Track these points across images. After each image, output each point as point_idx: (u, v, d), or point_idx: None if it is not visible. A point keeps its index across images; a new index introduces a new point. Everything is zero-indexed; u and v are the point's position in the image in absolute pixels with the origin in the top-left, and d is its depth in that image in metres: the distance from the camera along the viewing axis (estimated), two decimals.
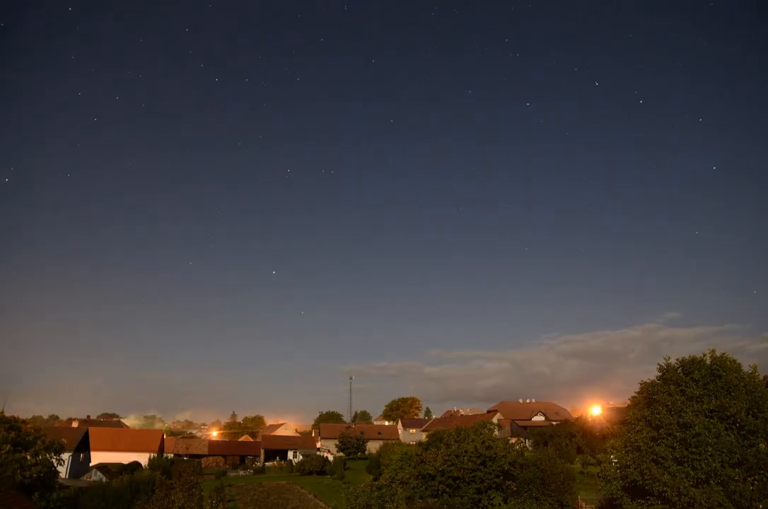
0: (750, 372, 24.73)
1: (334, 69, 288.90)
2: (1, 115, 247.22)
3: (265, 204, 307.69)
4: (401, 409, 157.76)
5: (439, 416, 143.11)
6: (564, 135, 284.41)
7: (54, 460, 35.11)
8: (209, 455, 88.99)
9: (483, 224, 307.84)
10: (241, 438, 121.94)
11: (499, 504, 32.14)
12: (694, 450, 21.95)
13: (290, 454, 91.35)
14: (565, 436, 68.07)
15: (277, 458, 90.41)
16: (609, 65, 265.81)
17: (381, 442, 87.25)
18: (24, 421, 36.50)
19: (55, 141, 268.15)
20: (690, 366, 25.46)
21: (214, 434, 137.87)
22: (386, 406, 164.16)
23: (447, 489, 33.92)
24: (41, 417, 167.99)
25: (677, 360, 26.31)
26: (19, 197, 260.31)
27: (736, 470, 21.22)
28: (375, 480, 43.55)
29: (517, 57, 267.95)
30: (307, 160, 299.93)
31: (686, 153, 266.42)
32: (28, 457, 32.29)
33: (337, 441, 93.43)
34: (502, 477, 34.26)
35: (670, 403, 23.97)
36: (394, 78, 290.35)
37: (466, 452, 35.18)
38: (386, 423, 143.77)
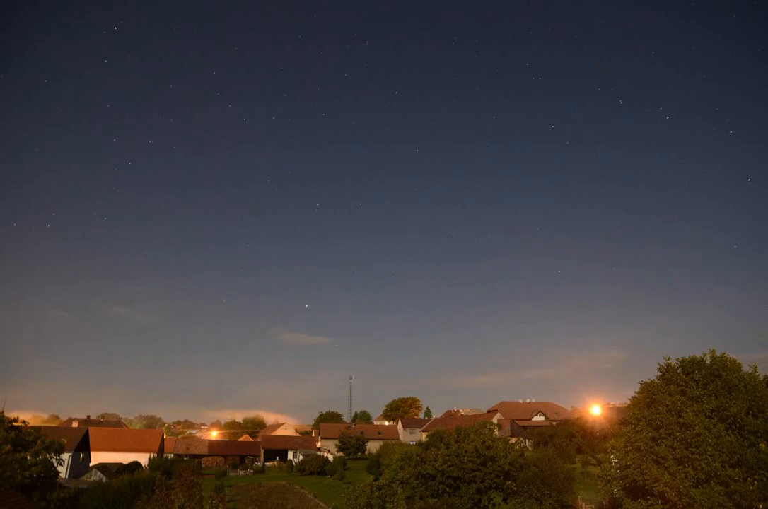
0: (750, 372, 24.73)
1: (360, 105, 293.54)
2: (40, 162, 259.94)
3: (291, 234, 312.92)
4: (401, 409, 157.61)
5: (439, 416, 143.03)
6: (591, 155, 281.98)
7: (54, 460, 35.05)
8: (209, 455, 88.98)
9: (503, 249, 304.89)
10: (241, 438, 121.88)
11: (499, 504, 32.15)
12: (694, 450, 21.95)
13: (290, 454, 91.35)
14: (565, 436, 68.10)
15: (277, 458, 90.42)
16: (632, 82, 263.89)
17: (381, 442, 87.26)
18: (24, 421, 36.45)
19: (92, 185, 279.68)
20: (690, 366, 25.47)
21: (214, 434, 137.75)
22: (386, 406, 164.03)
23: (447, 489, 33.95)
24: (41, 417, 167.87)
25: (677, 360, 26.32)
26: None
27: (737, 470, 21.22)
28: (375, 480, 43.58)
29: (539, 80, 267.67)
30: (336, 194, 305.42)
31: (719, 166, 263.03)
32: (28, 457, 32.22)
33: (337, 441, 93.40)
34: (502, 477, 34.29)
35: (670, 403, 23.98)
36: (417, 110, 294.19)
37: (466, 452, 35.22)
38: (386, 423, 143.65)
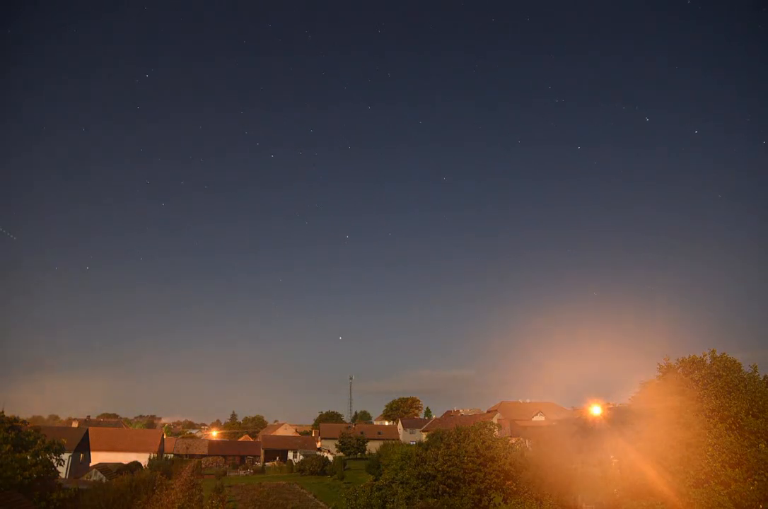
0: (750, 372, 24.73)
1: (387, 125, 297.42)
2: (75, 208, 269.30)
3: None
4: (401, 409, 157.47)
5: (439, 416, 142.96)
6: (618, 173, 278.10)
7: (54, 460, 35.07)
8: (209, 455, 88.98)
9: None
10: (241, 438, 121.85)
11: (499, 504, 32.12)
12: (694, 450, 21.94)
13: (290, 454, 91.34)
14: (566, 436, 68.04)
15: (277, 458, 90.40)
16: (657, 99, 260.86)
17: (381, 442, 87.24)
18: (24, 421, 36.47)
19: (126, 227, 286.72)
20: (690, 366, 25.48)
21: (214, 434, 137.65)
22: (386, 406, 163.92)
23: (447, 490, 33.93)
24: (41, 417, 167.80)
25: (677, 360, 26.33)
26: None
27: (737, 470, 21.20)
28: (375, 480, 43.55)
29: (562, 102, 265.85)
30: (364, 226, 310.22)
31: (753, 178, 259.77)
32: (28, 457, 32.23)
33: (337, 441, 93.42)
34: (502, 477, 34.25)
35: (670, 403, 23.97)
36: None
37: (466, 452, 35.20)
38: (386, 423, 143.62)
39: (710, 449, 21.60)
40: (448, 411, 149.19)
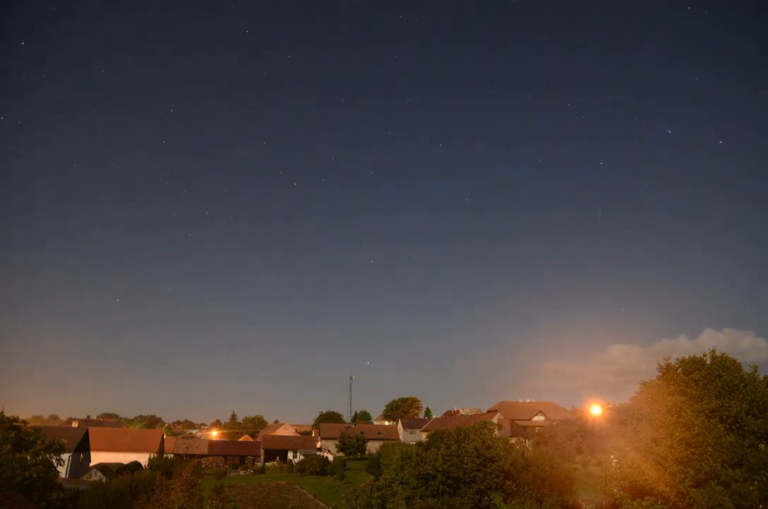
0: (750, 372, 24.72)
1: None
2: (107, 240, 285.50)
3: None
4: (401, 409, 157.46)
5: (439, 416, 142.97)
6: (644, 187, 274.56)
7: (54, 460, 35.03)
8: (209, 455, 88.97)
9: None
10: (241, 439, 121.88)
11: (500, 504, 32.10)
12: (694, 450, 21.93)
13: (290, 454, 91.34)
14: (566, 436, 68.13)
15: (277, 458, 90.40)
16: (679, 111, 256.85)
17: (381, 442, 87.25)
18: (24, 421, 36.46)
19: (154, 257, 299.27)
20: (690, 366, 25.47)
21: (214, 434, 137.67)
22: (386, 406, 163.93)
23: (447, 490, 33.91)
24: (41, 417, 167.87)
25: (677, 360, 26.33)
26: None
27: (737, 470, 21.19)
28: (375, 480, 43.52)
29: (582, 119, 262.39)
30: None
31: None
32: (28, 457, 32.17)
33: (337, 441, 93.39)
34: (502, 477, 34.23)
35: (670, 403, 23.96)
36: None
37: (466, 452, 35.18)
38: (386, 423, 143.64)
39: (710, 449, 21.59)
40: (448, 411, 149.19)
